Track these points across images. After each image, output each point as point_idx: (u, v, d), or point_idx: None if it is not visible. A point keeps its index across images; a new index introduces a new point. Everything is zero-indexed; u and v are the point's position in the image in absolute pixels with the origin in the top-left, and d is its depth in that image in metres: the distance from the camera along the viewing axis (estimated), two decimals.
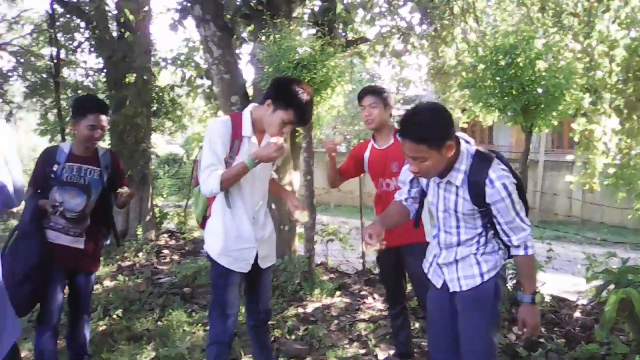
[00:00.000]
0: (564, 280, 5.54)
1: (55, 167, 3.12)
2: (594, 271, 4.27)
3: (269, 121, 2.64)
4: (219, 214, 2.79)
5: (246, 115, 2.74)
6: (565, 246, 6.50)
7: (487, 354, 2.34)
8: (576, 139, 6.31)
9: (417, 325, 4.22)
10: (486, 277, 2.32)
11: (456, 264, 2.37)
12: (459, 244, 2.36)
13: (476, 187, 2.19)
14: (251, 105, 2.80)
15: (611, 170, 6.02)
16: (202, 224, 3.00)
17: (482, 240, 2.34)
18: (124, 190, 3.22)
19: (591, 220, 11.39)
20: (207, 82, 7.57)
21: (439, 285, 2.46)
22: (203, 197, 2.89)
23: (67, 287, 3.32)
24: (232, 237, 2.75)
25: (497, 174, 2.16)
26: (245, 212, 2.77)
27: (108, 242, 3.53)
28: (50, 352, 3.20)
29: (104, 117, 3.15)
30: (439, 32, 6.63)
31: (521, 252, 2.28)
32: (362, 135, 18.70)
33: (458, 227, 2.34)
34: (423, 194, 2.50)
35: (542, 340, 3.88)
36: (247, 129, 2.71)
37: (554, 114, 4.49)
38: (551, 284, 5.06)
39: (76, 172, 3.16)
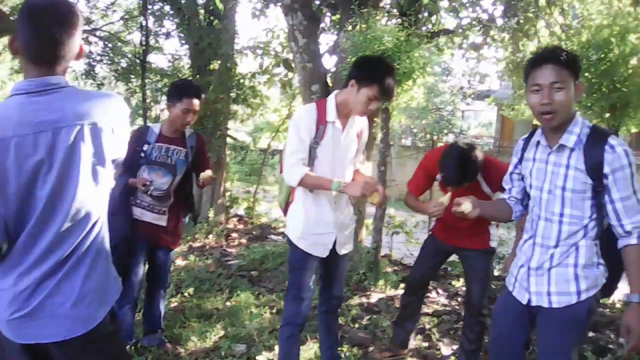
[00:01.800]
0: None
1: (145, 147, 3.25)
2: None
3: (355, 101, 2.66)
4: (300, 198, 2.83)
5: (330, 100, 2.77)
6: None
7: None
8: None
9: None
10: (583, 297, 2.08)
11: (548, 275, 2.15)
12: (557, 244, 2.13)
13: (593, 152, 2.02)
14: (335, 91, 2.83)
15: None
16: (285, 210, 3.04)
17: (584, 243, 2.10)
18: (206, 174, 3.31)
19: None
20: (284, 71, 7.66)
21: (524, 301, 2.23)
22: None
23: (147, 263, 3.46)
24: (312, 220, 2.78)
25: (618, 141, 2.01)
26: (327, 197, 2.79)
27: (187, 220, 3.66)
28: (129, 324, 3.35)
29: (197, 102, 3.26)
30: (522, 25, 6.41)
31: (633, 240, 2.01)
32: (429, 130, 18.50)
33: (562, 214, 2.11)
34: (526, 195, 2.34)
35: (611, 345, 3.71)
36: (331, 114, 2.73)
37: None
38: (624, 286, 4.81)
39: (164, 152, 3.28)
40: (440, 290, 5.03)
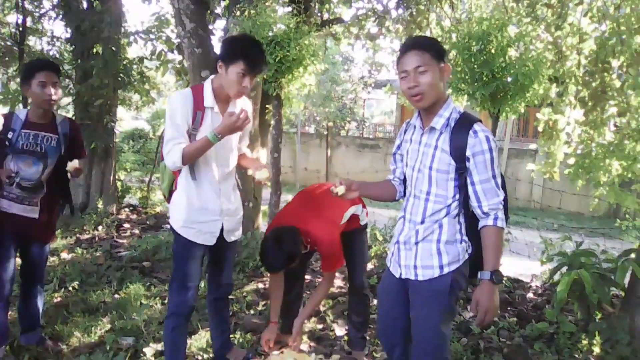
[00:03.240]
0: (520, 263, 5.67)
1: (10, 135, 3.01)
2: (549, 254, 4.37)
3: (227, 82, 2.60)
4: (183, 186, 2.75)
5: (207, 85, 2.70)
6: (523, 231, 6.66)
7: (438, 346, 2.28)
8: (540, 128, 6.44)
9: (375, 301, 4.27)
10: (445, 270, 2.21)
11: (416, 249, 2.26)
12: (423, 220, 2.25)
13: (459, 136, 2.14)
14: (212, 76, 2.75)
15: (572, 160, 6.17)
16: (169, 199, 2.95)
17: (447, 220, 2.22)
18: (71, 165, 3.07)
19: (550, 207, 11.73)
20: (178, 57, 7.43)
21: (397, 275, 2.36)
22: (169, 171, 2.84)
23: (21, 258, 3.24)
24: (195, 208, 2.72)
25: (481, 128, 2.14)
26: (210, 184, 2.73)
27: (64, 212, 3.44)
28: (1, 323, 3.13)
29: (54, 74, 3.02)
30: (415, 16, 6.63)
31: (490, 221, 2.13)
32: (331, 118, 18.74)
33: (428, 192, 2.23)
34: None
35: (495, 319, 3.98)
36: (208, 99, 2.67)
37: (522, 101, 4.58)
38: (507, 266, 5.15)
39: (32, 139, 3.05)
40: (336, 273, 5.11)
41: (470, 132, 2.12)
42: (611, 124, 6.50)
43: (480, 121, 2.19)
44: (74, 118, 6.91)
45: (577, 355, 3.46)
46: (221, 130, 2.54)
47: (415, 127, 2.33)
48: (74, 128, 3.27)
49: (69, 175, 3.16)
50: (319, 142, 16.91)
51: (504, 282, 4.89)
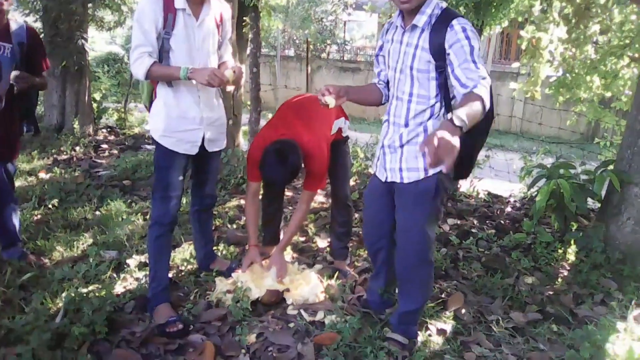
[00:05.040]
0: (500, 185, 5.75)
1: None
2: (528, 168, 4.42)
3: None
4: (162, 94, 2.67)
5: None
6: (504, 153, 6.72)
7: (423, 247, 2.31)
8: (523, 46, 6.37)
9: (356, 215, 4.32)
10: (430, 172, 2.19)
11: (401, 152, 2.26)
12: (406, 123, 2.23)
13: (438, 32, 2.08)
14: None
15: (554, 79, 6.16)
16: (150, 108, 2.84)
17: (431, 123, 2.20)
18: (12, 74, 2.86)
19: (531, 126, 11.89)
20: None
21: (383, 179, 2.37)
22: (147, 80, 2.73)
23: None
24: (174, 117, 2.64)
25: (460, 21, 2.07)
26: (189, 92, 2.65)
27: (29, 130, 3.30)
28: None
29: None
30: None
31: (468, 90, 1.97)
32: (312, 41, 18.31)
33: (411, 93, 2.21)
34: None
35: (473, 230, 4.08)
36: (179, 0, 2.53)
37: (506, 12, 4.49)
38: (487, 186, 5.26)
39: None
40: (318, 189, 5.14)
41: (448, 27, 2.06)
42: (594, 41, 6.45)
43: (462, 16, 2.12)
44: (43, 34, 6.63)
45: (552, 264, 3.57)
46: (194, 75, 2.47)
47: (397, 26, 2.27)
48: (32, 37, 3.06)
49: (14, 88, 2.94)
50: (299, 66, 16.60)
51: (483, 197, 4.97)
